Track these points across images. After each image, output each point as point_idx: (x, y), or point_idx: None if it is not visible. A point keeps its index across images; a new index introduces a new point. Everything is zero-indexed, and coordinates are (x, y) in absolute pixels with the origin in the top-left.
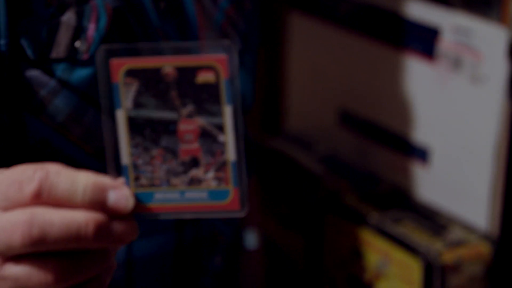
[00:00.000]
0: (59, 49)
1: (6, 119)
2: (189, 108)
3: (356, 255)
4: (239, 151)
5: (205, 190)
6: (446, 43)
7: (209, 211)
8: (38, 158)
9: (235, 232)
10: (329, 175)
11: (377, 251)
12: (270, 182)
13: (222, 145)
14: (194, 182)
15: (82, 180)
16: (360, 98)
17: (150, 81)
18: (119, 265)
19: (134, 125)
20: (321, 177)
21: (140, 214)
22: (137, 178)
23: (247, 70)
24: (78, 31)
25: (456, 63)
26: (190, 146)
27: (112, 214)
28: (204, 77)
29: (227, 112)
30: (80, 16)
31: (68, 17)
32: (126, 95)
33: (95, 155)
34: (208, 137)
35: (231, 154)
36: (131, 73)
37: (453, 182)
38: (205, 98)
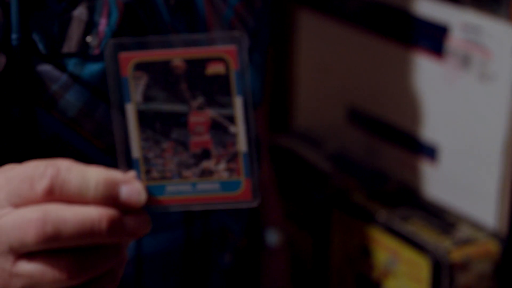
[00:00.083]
0: (71, 44)
1: (18, 114)
2: (199, 100)
3: (364, 253)
4: (250, 141)
5: (217, 182)
6: (455, 40)
7: (221, 202)
8: (49, 153)
9: (244, 229)
10: (337, 173)
11: (385, 249)
12: (278, 179)
13: (233, 136)
14: (206, 173)
15: (93, 176)
16: (368, 95)
17: (159, 74)
18: (128, 261)
19: (144, 118)
20: (329, 175)
21: (152, 207)
22: (148, 171)
23: (255, 67)
24: (90, 26)
25: (465, 61)
26: (201, 138)
27: (124, 208)
28: (214, 69)
29: (238, 103)
30: (91, 11)
31: (80, 12)
32: (136, 89)
33: (106, 150)
34: (219, 128)
35: (242, 145)
36: (140, 67)
37: (462, 180)
38: (215, 90)
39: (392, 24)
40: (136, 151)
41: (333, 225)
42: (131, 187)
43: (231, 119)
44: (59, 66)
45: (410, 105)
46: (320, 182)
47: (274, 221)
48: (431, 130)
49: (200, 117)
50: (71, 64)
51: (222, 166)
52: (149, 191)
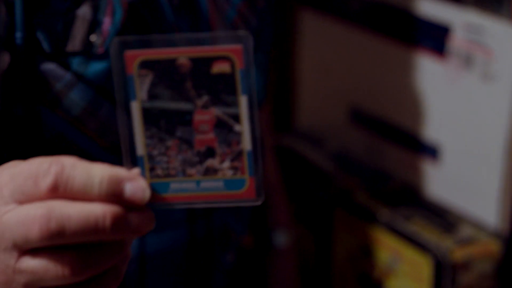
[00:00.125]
0: (75, 43)
1: (22, 113)
2: (204, 98)
3: (367, 252)
4: (254, 140)
5: (221, 180)
6: (457, 40)
7: (225, 200)
8: (53, 151)
9: (246, 228)
10: (340, 173)
11: (387, 249)
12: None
13: (238, 135)
14: (210, 171)
15: (98, 173)
16: (371, 95)
17: (164, 73)
18: (132, 260)
19: (149, 116)
20: (332, 174)
21: (156, 204)
22: (152, 169)
23: (258, 67)
24: (94, 25)
25: (467, 61)
26: (206, 136)
27: (128, 205)
28: (220, 67)
29: (243, 102)
30: (95, 10)
31: (84, 11)
32: (141, 87)
33: (110, 149)
34: (223, 127)
35: (247, 143)
36: (146, 65)
37: (464, 180)
38: (220, 89)
39: (394, 24)
40: (140, 149)
41: (335, 224)
42: (136, 184)
43: (236, 118)
44: (63, 64)
45: (412, 105)
46: (322, 182)
47: (281, 222)
48: (433, 130)
49: (205, 116)
50: (75, 63)
51: (226, 164)
52: (153, 188)
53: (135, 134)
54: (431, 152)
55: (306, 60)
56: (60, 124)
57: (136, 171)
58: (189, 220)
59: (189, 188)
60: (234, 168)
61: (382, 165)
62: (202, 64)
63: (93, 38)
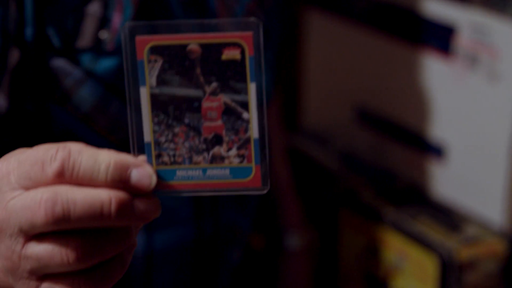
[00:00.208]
0: (85, 39)
1: (32, 109)
2: (213, 85)
3: (372, 252)
4: (262, 128)
5: (227, 168)
6: (463, 40)
7: (231, 188)
8: None
9: (253, 226)
10: (346, 172)
11: (393, 248)
12: None
13: (246, 122)
14: (217, 159)
15: (104, 159)
16: (377, 95)
17: (174, 58)
18: (139, 257)
19: (158, 102)
20: (337, 174)
21: (162, 191)
22: (159, 156)
23: (266, 65)
24: (103, 22)
25: (473, 61)
26: (214, 123)
27: (134, 192)
28: (230, 54)
29: (252, 89)
30: (105, 7)
31: (94, 7)
32: (150, 72)
33: (120, 146)
34: (231, 114)
35: (254, 131)
36: (155, 50)
37: (469, 179)
38: (229, 75)
39: (400, 24)
40: (148, 135)
41: (341, 223)
42: (142, 170)
43: (244, 105)
44: (73, 61)
45: (418, 105)
46: (328, 181)
47: (293, 225)
48: (439, 129)
49: (213, 102)
50: (85, 59)
51: (233, 152)
52: (160, 175)
53: (143, 120)
54: (436, 151)
55: (312, 59)
56: (70, 120)
57: (142, 157)
58: (197, 217)
59: (195, 176)
60: (241, 156)
61: (387, 165)
62: (212, 50)
63: (103, 34)
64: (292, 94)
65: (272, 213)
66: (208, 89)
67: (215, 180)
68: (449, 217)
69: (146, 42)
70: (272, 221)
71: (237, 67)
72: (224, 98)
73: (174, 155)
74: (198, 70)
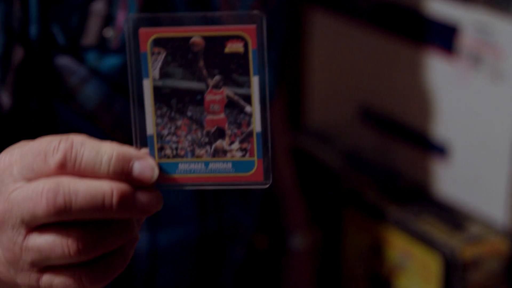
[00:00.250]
0: (89, 37)
1: (37, 107)
2: (216, 78)
3: (376, 250)
4: (265, 122)
5: (229, 161)
6: (466, 40)
7: (233, 182)
8: None
9: (256, 224)
10: (350, 171)
11: (397, 247)
12: None
13: (249, 116)
14: (219, 153)
15: (107, 151)
16: (380, 94)
17: (177, 51)
18: (143, 254)
19: (160, 94)
20: (341, 173)
21: (164, 184)
22: (161, 148)
23: (270, 65)
24: (108, 20)
25: (476, 60)
26: (216, 116)
27: (136, 184)
28: (233, 47)
29: (255, 82)
30: (109, 5)
31: (98, 5)
32: (153, 65)
33: (125, 144)
34: (234, 107)
35: (257, 125)
36: (159, 42)
37: (473, 178)
38: (233, 69)
39: (404, 23)
40: (150, 128)
41: (345, 223)
42: (144, 163)
43: (247, 99)
44: (77, 59)
45: (422, 104)
46: (332, 180)
47: (297, 224)
48: (442, 129)
49: (216, 96)
50: (90, 57)
51: (235, 145)
52: (162, 168)
53: (145, 113)
54: (440, 150)
55: (316, 59)
56: (74, 118)
57: (145, 150)
58: (200, 215)
59: (197, 169)
60: (243, 150)
61: (391, 164)
62: (215, 43)
63: (108, 32)
64: (295, 93)
65: (275, 213)
66: (211, 82)
67: (217, 173)
68: (453, 216)
69: (149, 34)
70: (276, 221)
71: (240, 60)
72: (227, 91)
73: (176, 148)
74: (201, 63)
